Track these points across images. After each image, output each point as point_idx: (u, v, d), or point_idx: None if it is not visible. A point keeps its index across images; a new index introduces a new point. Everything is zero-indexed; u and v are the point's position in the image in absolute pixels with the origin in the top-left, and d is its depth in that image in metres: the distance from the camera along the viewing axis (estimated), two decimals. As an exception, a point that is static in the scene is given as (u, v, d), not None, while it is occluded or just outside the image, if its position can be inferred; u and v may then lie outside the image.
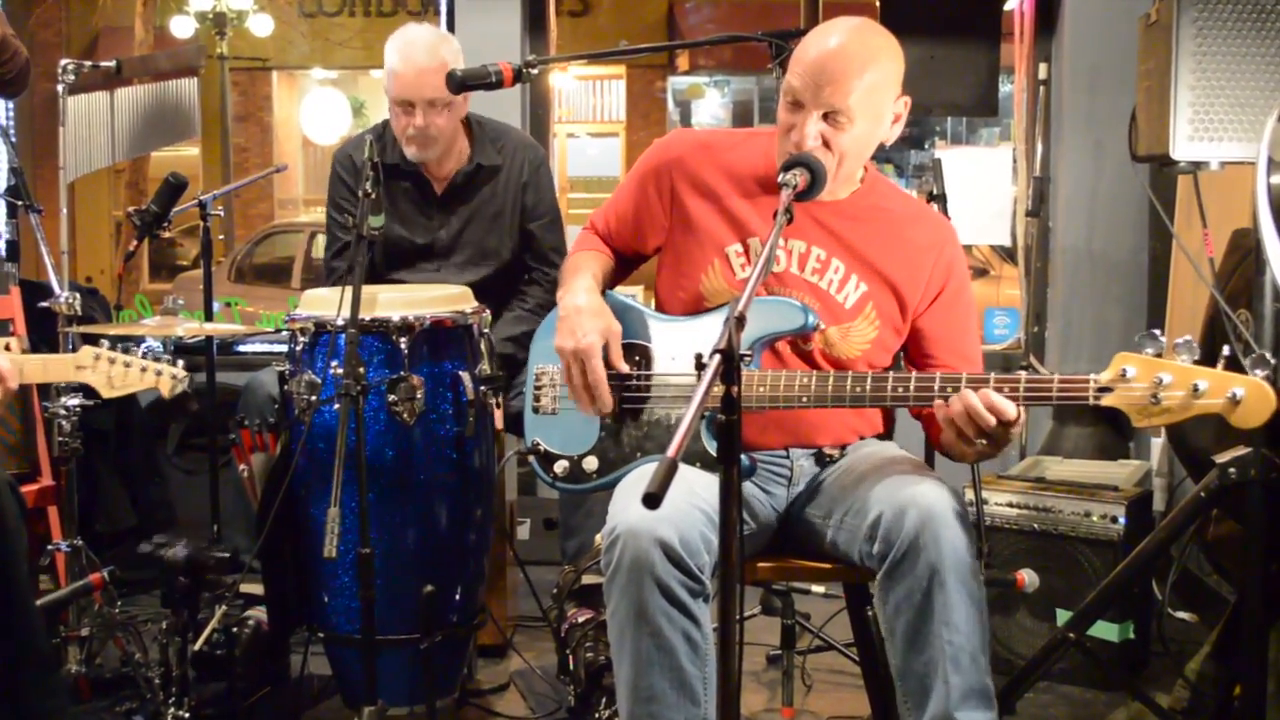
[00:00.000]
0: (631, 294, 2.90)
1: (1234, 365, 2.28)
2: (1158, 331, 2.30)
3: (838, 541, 2.65)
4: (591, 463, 2.79)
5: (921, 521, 2.42)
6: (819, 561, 2.74)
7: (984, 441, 2.42)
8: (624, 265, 2.99)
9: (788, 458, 2.78)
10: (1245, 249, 3.32)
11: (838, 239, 2.73)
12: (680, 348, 2.75)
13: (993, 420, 2.36)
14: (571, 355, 2.68)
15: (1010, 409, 2.36)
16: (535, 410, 2.88)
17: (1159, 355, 2.29)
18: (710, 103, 18.03)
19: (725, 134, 2.97)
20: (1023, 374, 2.39)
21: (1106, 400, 2.32)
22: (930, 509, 2.43)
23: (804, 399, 2.57)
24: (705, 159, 2.81)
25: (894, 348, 2.80)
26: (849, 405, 2.59)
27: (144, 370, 2.97)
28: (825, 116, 2.57)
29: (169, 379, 2.98)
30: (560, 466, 2.82)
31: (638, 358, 2.77)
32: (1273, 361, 2.26)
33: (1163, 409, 2.29)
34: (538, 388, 2.88)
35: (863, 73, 2.55)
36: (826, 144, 2.58)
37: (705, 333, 2.72)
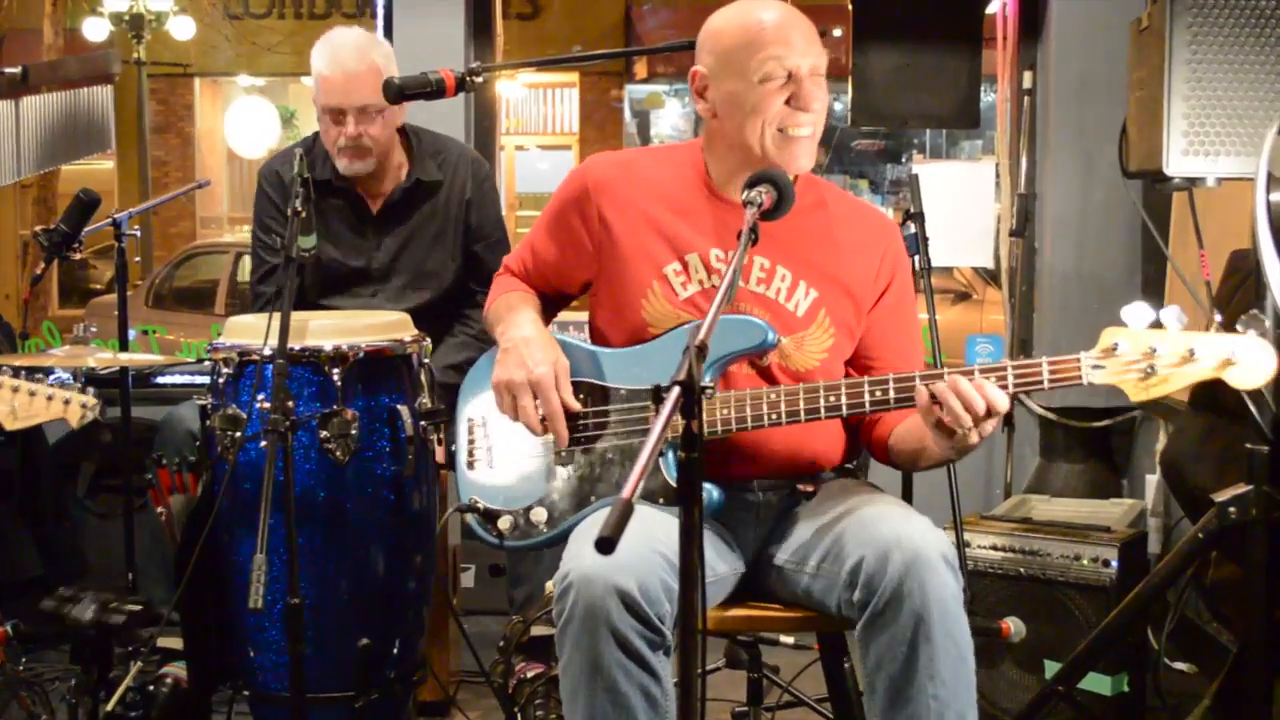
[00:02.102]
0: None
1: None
2: (1143, 303, 2.33)
3: (813, 590, 2.63)
4: (540, 514, 2.76)
5: (906, 566, 2.41)
6: (790, 609, 2.72)
7: (945, 426, 2.41)
8: (545, 308, 2.97)
9: (754, 492, 2.77)
10: (1244, 271, 3.35)
11: (780, 244, 2.71)
12: (630, 381, 2.74)
13: (981, 406, 2.36)
14: (522, 387, 2.67)
15: (1002, 400, 2.38)
16: (470, 466, 2.86)
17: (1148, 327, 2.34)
18: (670, 113, 18.07)
19: (644, 151, 3.01)
20: (1009, 362, 2.41)
21: (1100, 377, 2.37)
22: (916, 552, 2.42)
23: (774, 416, 2.56)
24: (627, 179, 2.82)
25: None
26: (824, 417, 2.57)
27: (50, 399, 2.94)
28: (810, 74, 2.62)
29: (78, 407, 2.95)
30: (505, 523, 2.78)
31: (583, 395, 2.75)
32: (1267, 321, 2.29)
33: (1160, 379, 2.34)
34: (470, 440, 2.86)
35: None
36: None
37: (655, 362, 2.71)
